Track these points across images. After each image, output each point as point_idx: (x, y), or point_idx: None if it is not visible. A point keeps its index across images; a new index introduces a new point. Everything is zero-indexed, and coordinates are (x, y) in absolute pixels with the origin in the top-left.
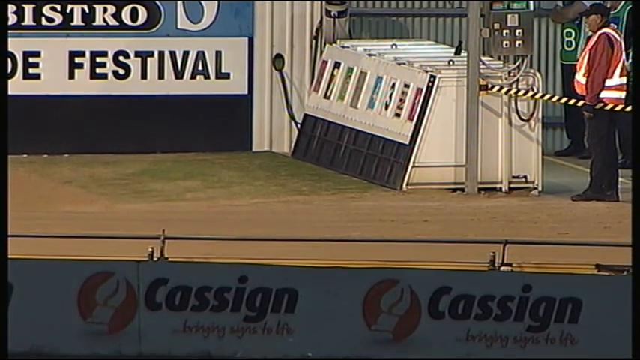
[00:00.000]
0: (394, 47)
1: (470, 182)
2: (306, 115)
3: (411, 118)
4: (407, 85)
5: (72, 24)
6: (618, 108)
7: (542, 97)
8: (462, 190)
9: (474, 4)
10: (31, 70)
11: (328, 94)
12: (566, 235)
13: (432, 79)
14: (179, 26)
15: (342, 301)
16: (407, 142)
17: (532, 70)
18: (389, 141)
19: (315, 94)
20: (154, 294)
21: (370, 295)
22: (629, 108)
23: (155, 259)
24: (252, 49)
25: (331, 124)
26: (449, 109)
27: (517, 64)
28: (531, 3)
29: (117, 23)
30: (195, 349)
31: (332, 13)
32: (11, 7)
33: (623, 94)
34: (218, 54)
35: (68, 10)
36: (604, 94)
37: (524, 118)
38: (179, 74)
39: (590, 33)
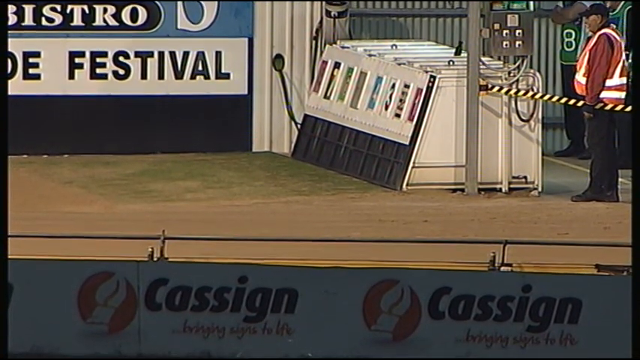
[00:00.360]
0: (394, 47)
1: (470, 182)
2: (306, 116)
3: (411, 119)
4: (407, 86)
5: (72, 24)
6: (618, 108)
7: (542, 97)
8: (462, 190)
9: (474, 4)
10: (31, 71)
11: (328, 94)
12: (566, 235)
13: (432, 80)
14: (179, 26)
15: (342, 302)
16: (407, 143)
17: (532, 71)
18: (389, 141)
19: (315, 95)
20: (153, 294)
21: (370, 296)
22: (629, 108)
23: (155, 259)
24: (252, 49)
25: (331, 124)
26: (449, 109)
27: (517, 64)
28: (531, 3)
29: (117, 23)
30: (195, 349)
31: (332, 14)
32: (11, 8)
33: (623, 95)
34: (218, 54)
35: (68, 11)
36: (604, 94)
37: (525, 118)
38: (179, 74)
39: (590, 33)
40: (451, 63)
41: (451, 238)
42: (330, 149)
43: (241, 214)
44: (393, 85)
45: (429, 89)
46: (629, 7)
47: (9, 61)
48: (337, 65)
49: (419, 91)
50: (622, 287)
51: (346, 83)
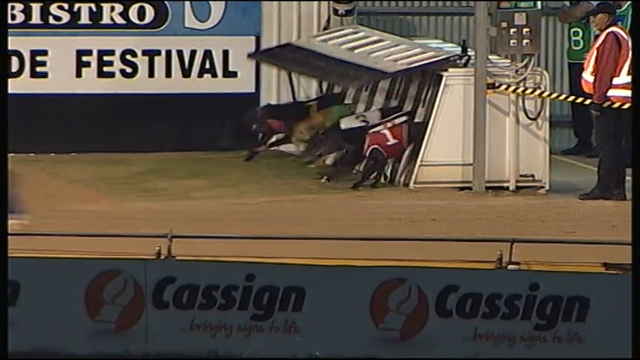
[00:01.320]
0: None
1: (477, 181)
2: None
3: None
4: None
5: (79, 22)
6: (626, 106)
7: (549, 95)
8: (470, 188)
9: (481, 2)
10: (38, 69)
11: None
12: (574, 233)
13: (438, 78)
14: (186, 25)
15: (349, 300)
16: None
17: (539, 69)
18: None
19: None
20: (161, 293)
21: (378, 294)
22: None
23: (162, 257)
24: (259, 47)
25: None
26: (456, 107)
27: (525, 62)
28: (538, 2)
29: (124, 22)
30: (203, 347)
31: (339, 12)
32: (18, 6)
33: (630, 93)
34: (225, 53)
35: (75, 9)
36: (612, 92)
37: (532, 116)
38: (186, 73)
39: (597, 31)
40: (458, 61)
41: (459, 236)
42: None
43: (249, 213)
44: None
45: (436, 87)
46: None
47: (16, 60)
48: None
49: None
50: (630, 286)
51: None
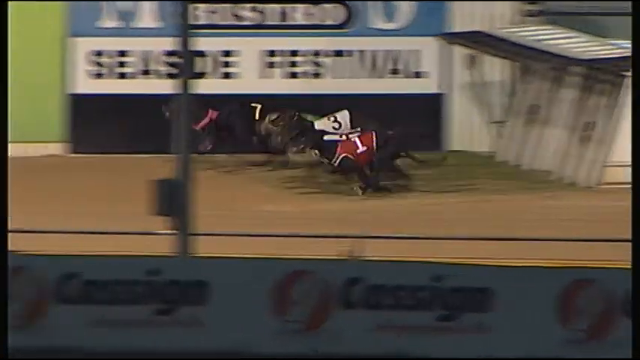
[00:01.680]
0: None
1: None
2: None
3: None
4: None
5: (267, 23)
6: None
7: None
8: None
9: None
10: (226, 70)
11: None
12: None
13: (622, 78)
14: (374, 26)
15: (537, 301)
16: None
17: None
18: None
19: None
20: (349, 293)
21: (565, 295)
22: None
23: (350, 258)
24: (447, 48)
25: None
26: None
27: None
28: None
29: (312, 22)
30: (390, 348)
31: (528, 12)
32: (207, 7)
33: None
34: (413, 53)
35: (264, 10)
36: None
37: None
38: (374, 73)
39: None
40: None
41: None
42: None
43: (433, 213)
44: None
45: (622, 88)
46: None
47: (204, 60)
48: None
49: None
50: None
51: None
